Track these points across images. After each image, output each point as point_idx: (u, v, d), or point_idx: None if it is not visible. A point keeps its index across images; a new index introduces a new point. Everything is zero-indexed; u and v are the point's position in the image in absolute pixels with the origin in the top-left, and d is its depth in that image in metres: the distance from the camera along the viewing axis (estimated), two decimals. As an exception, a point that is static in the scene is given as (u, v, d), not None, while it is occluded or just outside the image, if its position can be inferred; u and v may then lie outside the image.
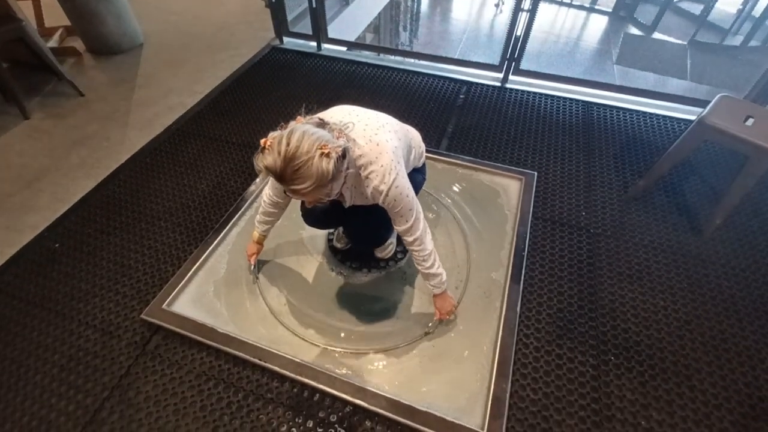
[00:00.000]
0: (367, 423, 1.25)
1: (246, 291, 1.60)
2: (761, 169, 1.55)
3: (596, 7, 10.11)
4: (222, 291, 1.60)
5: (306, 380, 1.31)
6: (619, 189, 1.99)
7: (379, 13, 6.70)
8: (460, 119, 2.39)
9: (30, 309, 1.54)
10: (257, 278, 1.62)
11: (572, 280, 1.63)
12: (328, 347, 1.42)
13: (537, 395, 1.32)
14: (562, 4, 9.89)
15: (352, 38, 4.78)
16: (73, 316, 1.51)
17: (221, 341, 1.41)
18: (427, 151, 2.12)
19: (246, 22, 3.42)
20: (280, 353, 1.38)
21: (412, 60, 2.93)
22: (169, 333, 1.46)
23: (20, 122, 2.41)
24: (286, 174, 0.88)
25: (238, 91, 2.61)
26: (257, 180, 2.01)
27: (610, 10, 9.71)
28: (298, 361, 1.36)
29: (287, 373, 1.33)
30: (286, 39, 3.11)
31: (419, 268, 1.28)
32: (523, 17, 2.36)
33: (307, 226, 1.81)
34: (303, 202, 1.45)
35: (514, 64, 2.57)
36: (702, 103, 2.41)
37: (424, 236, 1.21)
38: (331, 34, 3.04)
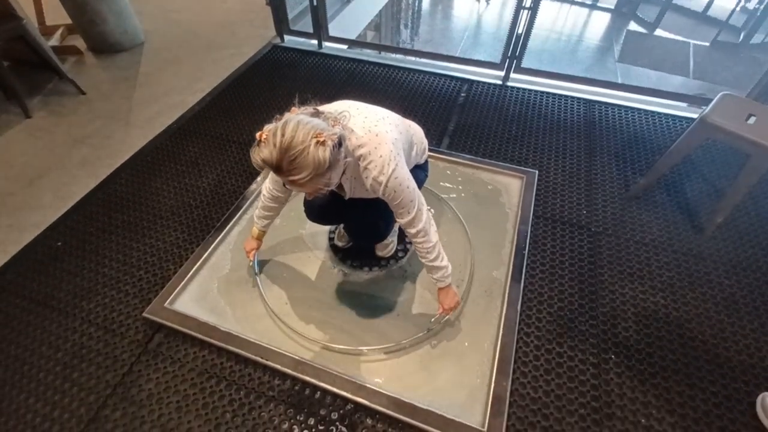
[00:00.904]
0: (368, 421, 1.26)
1: (247, 289, 1.60)
2: (763, 167, 1.55)
3: (598, 4, 10.06)
4: (224, 289, 1.60)
5: (307, 378, 1.32)
6: (620, 187, 1.99)
7: (380, 11, 6.68)
8: (461, 117, 2.39)
9: (33, 307, 1.55)
10: (257, 274, 1.62)
11: (573, 278, 1.63)
12: (330, 345, 1.43)
13: (537, 393, 1.32)
14: (564, 1, 9.85)
15: (353, 36, 4.77)
16: (75, 314, 1.52)
17: (223, 339, 1.41)
18: (428, 150, 2.13)
19: (247, 20, 3.42)
20: (281, 351, 1.38)
21: (413, 58, 2.93)
22: (171, 331, 1.46)
23: (22, 121, 2.42)
24: (283, 165, 0.87)
25: (239, 90, 2.61)
26: (258, 178, 2.01)
27: (612, 7, 9.66)
28: (299, 359, 1.36)
29: (289, 370, 1.34)
30: (287, 37, 3.11)
31: (423, 261, 1.26)
32: (524, 15, 2.35)
33: (307, 225, 1.82)
34: (306, 198, 1.45)
35: (515, 62, 2.57)
36: (704, 101, 2.40)
37: (428, 228, 1.20)
38: (332, 32, 3.04)
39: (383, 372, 1.37)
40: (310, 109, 0.98)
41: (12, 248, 1.74)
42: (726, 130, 1.56)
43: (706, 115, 1.60)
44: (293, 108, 0.98)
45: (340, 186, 1.17)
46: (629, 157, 2.14)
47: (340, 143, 0.94)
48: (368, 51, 3.16)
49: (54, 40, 3.06)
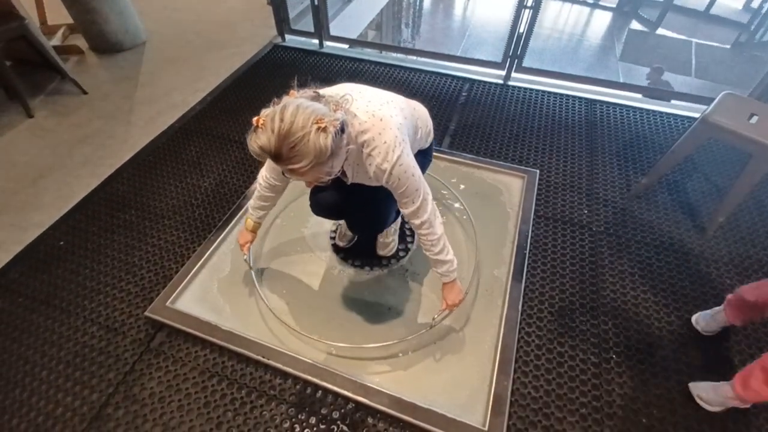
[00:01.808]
0: (369, 420, 1.26)
1: (249, 288, 1.61)
2: (765, 167, 1.54)
3: (600, 3, 10.03)
4: (225, 288, 1.61)
5: (309, 377, 1.32)
6: (621, 187, 1.98)
7: (381, 10, 6.68)
8: (462, 117, 2.39)
9: (35, 306, 1.55)
10: (251, 268, 1.60)
11: (574, 278, 1.63)
12: (331, 344, 1.43)
13: (538, 392, 1.32)
14: (565, 0, 9.82)
15: (354, 36, 4.78)
16: (78, 313, 1.53)
17: (225, 338, 1.42)
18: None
19: (248, 19, 3.42)
20: (283, 351, 1.39)
21: (414, 57, 2.93)
22: (173, 330, 1.47)
23: (24, 120, 2.43)
24: (282, 153, 0.82)
25: (240, 89, 2.61)
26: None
27: (614, 5, 9.63)
28: (300, 358, 1.37)
29: (290, 370, 1.34)
30: (288, 36, 3.11)
31: (428, 254, 1.21)
32: (525, 14, 2.35)
33: (309, 225, 1.82)
34: (311, 190, 1.43)
35: (516, 61, 2.56)
36: (706, 100, 2.40)
37: (433, 219, 1.15)
38: (333, 32, 3.04)
39: (384, 371, 1.38)
40: (309, 92, 0.92)
41: (14, 247, 1.75)
42: (728, 130, 1.55)
43: (707, 115, 1.60)
44: (292, 91, 0.92)
45: (342, 171, 1.12)
46: (631, 157, 2.14)
47: (342, 129, 0.88)
48: (369, 50, 3.16)
49: (56, 40, 3.07)
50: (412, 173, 1.06)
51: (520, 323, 1.48)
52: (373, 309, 1.55)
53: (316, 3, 2.81)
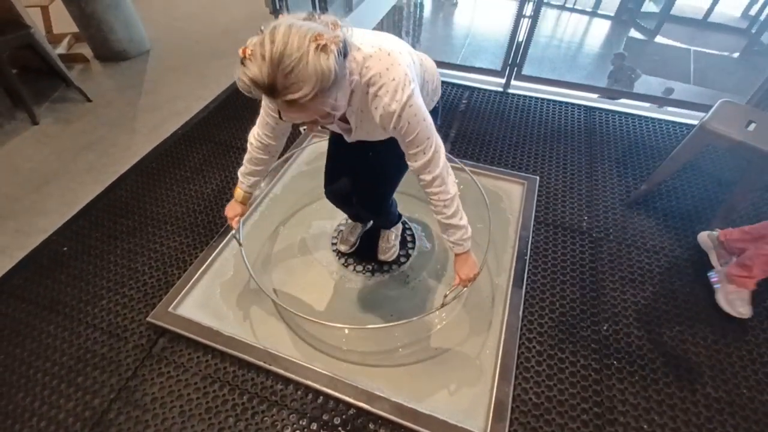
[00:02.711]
0: (371, 426, 1.26)
1: (251, 294, 1.62)
2: (764, 174, 1.56)
3: (598, 11, 10.11)
4: (227, 294, 1.62)
5: (310, 383, 1.33)
6: (621, 193, 2.00)
7: (382, 19, 6.76)
8: (462, 124, 2.41)
9: (39, 311, 1.56)
10: (241, 245, 1.45)
11: (574, 284, 1.63)
12: (332, 350, 1.44)
13: (540, 399, 1.32)
14: (564, 8, 9.92)
15: (355, 43, 4.82)
16: (80, 319, 1.54)
17: (226, 344, 1.42)
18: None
19: (250, 27, 3.45)
20: (284, 356, 1.39)
21: (414, 65, 2.96)
22: (175, 336, 1.47)
23: (29, 127, 2.45)
24: (278, 81, 0.67)
25: (242, 96, 2.62)
26: (262, 183, 2.03)
27: (613, 14, 9.72)
28: (302, 364, 1.37)
29: (291, 375, 1.34)
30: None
31: (439, 218, 1.08)
32: (524, 23, 2.38)
33: (310, 230, 1.84)
34: (326, 176, 1.42)
35: (516, 69, 2.59)
36: (704, 107, 2.42)
37: (446, 176, 1.02)
38: (334, 40, 3.07)
39: (386, 377, 1.38)
40: (302, 14, 0.76)
41: (18, 253, 1.76)
42: (726, 137, 1.57)
43: (706, 122, 1.62)
44: (280, 15, 0.78)
45: (344, 123, 1.02)
46: (630, 163, 2.15)
47: (345, 50, 0.74)
48: (370, 58, 3.19)
49: (61, 48, 3.11)
50: (424, 117, 0.93)
51: (521, 329, 1.48)
52: (374, 314, 1.55)
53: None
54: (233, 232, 1.38)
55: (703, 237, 1.72)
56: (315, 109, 0.75)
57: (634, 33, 9.44)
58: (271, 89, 0.69)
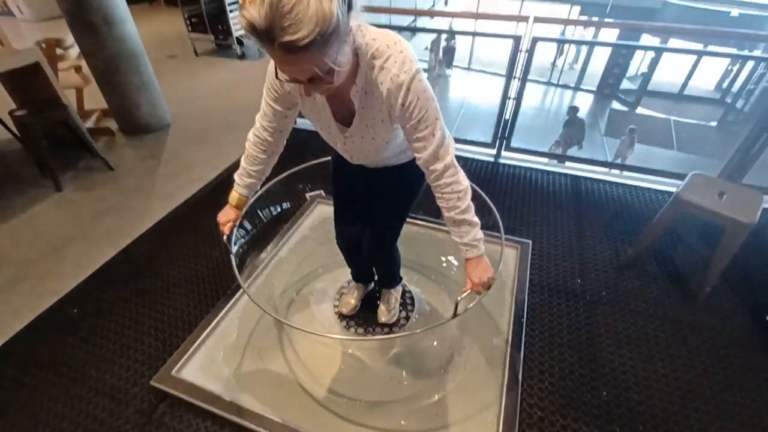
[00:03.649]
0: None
1: (253, 358, 1.64)
2: (738, 240, 1.66)
3: (581, 86, 10.99)
4: (230, 358, 1.64)
5: (310, 451, 1.31)
6: (611, 256, 2.09)
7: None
8: (458, 191, 2.57)
9: (43, 374, 1.58)
10: (232, 254, 1.35)
11: (572, 347, 1.66)
12: (333, 415, 1.43)
13: (543, 469, 1.30)
14: (549, 84, 10.79)
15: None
16: (84, 382, 1.55)
17: (226, 409, 1.42)
18: (423, 221, 2.27)
19: (264, 104, 3.81)
20: (283, 423, 1.39)
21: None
22: (176, 400, 1.48)
23: (53, 194, 2.62)
24: (276, 22, 0.63)
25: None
26: (269, 247, 2.13)
27: (594, 88, 10.56)
28: (302, 430, 1.36)
29: (291, 443, 1.33)
30: (299, 120, 3.44)
31: (452, 214, 1.01)
32: (510, 103, 2.65)
33: (313, 293, 1.90)
34: (335, 220, 1.46)
35: (505, 141, 2.83)
36: (682, 176, 2.59)
37: (457, 165, 0.97)
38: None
39: (386, 445, 1.36)
40: None
41: (29, 315, 1.81)
42: (701, 207, 1.70)
43: (680, 193, 1.76)
44: None
45: (344, 112, 0.97)
46: (617, 228, 2.27)
47: (350, 2, 0.70)
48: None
49: (90, 122, 3.41)
50: (432, 96, 0.90)
51: (522, 394, 1.49)
52: (375, 378, 1.57)
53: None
54: (224, 238, 1.27)
55: None
56: (314, 59, 0.70)
57: (616, 105, 10.18)
58: (268, 31, 0.64)
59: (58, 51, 3.22)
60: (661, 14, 10.87)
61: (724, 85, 10.05)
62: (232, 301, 1.85)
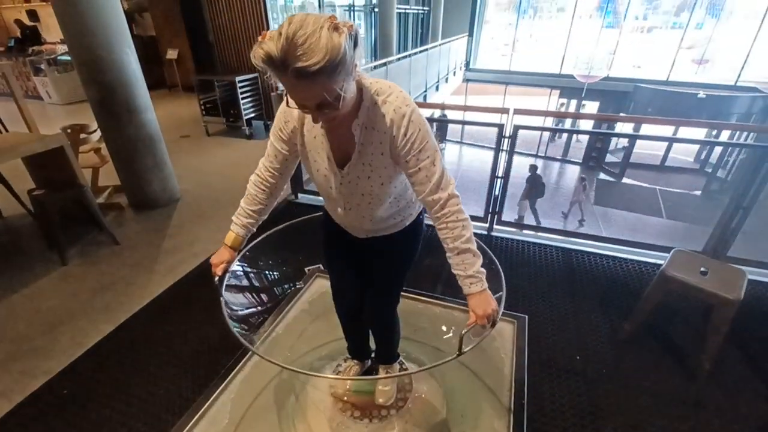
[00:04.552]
0: None
1: (245, 444, 1.57)
2: (728, 315, 1.70)
3: (567, 158, 11.63)
4: (221, 444, 1.57)
5: None
6: (608, 331, 2.10)
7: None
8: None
9: (22, 466, 1.50)
10: (222, 296, 1.34)
11: (576, 427, 1.61)
12: None
13: None
14: (537, 156, 11.42)
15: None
16: (65, 475, 1.47)
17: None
18: (421, 296, 2.31)
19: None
20: None
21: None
22: (161, 495, 1.39)
23: (57, 268, 2.67)
24: (290, 51, 0.73)
25: (258, 235, 2.94)
26: (265, 324, 2.14)
27: (580, 160, 11.17)
28: None
29: None
30: (300, 195, 3.64)
31: (456, 244, 1.02)
32: (498, 182, 2.84)
33: (309, 371, 1.87)
34: (332, 283, 1.48)
35: (496, 216, 2.97)
36: (668, 249, 2.69)
37: (458, 194, 1.02)
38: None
39: None
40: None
41: (17, 396, 1.76)
42: (685, 284, 1.76)
43: (665, 269, 1.84)
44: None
45: (342, 151, 1.03)
46: (611, 302, 2.31)
47: (356, 40, 0.80)
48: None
49: (101, 198, 3.57)
50: (429, 130, 0.98)
51: (525, 485, 1.41)
52: (371, 468, 1.49)
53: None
54: (215, 279, 1.25)
55: None
56: (323, 85, 0.79)
57: (603, 175, 10.68)
58: (283, 60, 0.74)
59: (82, 135, 3.49)
60: (633, 96, 11.90)
61: (702, 156, 10.67)
62: (226, 381, 1.81)
